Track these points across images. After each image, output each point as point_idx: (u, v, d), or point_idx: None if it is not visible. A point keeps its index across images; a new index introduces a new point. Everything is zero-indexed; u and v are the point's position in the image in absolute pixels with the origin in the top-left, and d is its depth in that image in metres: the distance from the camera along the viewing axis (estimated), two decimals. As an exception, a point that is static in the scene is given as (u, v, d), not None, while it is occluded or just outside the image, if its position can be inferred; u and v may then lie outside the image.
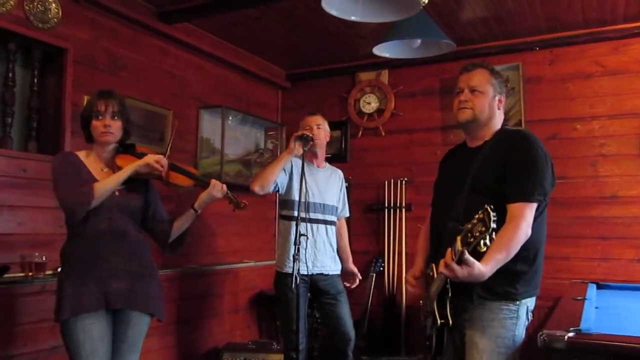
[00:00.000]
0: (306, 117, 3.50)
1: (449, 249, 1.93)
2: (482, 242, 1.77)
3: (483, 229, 1.76)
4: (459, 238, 1.87)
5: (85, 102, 3.08)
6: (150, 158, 2.38)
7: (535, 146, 2.14)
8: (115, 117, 2.40)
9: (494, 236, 1.76)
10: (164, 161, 2.41)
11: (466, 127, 2.32)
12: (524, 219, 2.04)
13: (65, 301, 2.26)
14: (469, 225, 1.81)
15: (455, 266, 1.88)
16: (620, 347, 1.84)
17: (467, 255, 1.86)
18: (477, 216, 1.79)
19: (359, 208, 4.83)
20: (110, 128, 2.38)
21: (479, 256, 1.88)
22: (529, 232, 2.05)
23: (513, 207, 2.07)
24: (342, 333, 3.34)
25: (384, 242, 4.66)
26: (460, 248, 1.86)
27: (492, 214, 1.73)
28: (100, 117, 2.38)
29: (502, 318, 2.11)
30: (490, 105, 2.25)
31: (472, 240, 1.79)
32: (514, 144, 2.17)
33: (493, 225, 1.73)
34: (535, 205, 2.09)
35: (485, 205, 1.76)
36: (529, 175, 2.09)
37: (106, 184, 2.30)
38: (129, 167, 2.35)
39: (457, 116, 2.31)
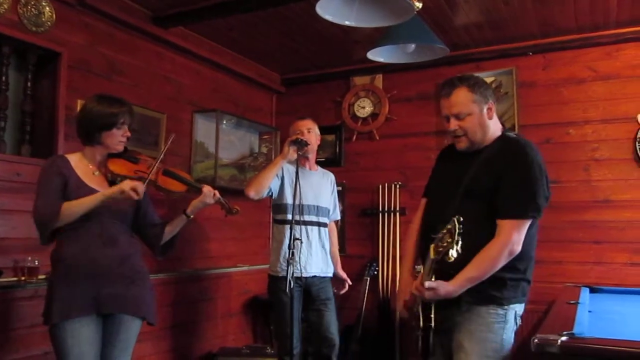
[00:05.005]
0: (296, 122, 3.50)
1: (421, 274, 2.08)
2: (450, 252, 1.83)
3: (450, 240, 1.81)
4: (432, 246, 1.94)
5: (79, 106, 3.08)
6: (127, 185, 2.30)
7: (531, 161, 2.12)
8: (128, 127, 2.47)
9: (459, 248, 1.82)
10: (141, 188, 2.33)
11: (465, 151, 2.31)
12: (510, 238, 2.07)
13: (55, 305, 2.25)
14: (440, 235, 1.86)
15: (422, 289, 2.02)
16: (613, 351, 1.85)
17: (428, 282, 2.00)
18: (447, 226, 1.84)
19: (353, 212, 4.83)
20: (127, 138, 2.45)
21: (451, 265, 1.93)
22: (516, 249, 2.08)
23: (502, 224, 2.09)
24: (327, 339, 3.35)
25: (378, 246, 4.67)
26: (432, 257, 1.94)
27: (457, 226, 1.80)
28: (121, 127, 2.42)
29: (490, 322, 2.12)
30: (480, 122, 2.21)
31: (441, 249, 1.85)
32: (511, 156, 2.16)
33: (457, 238, 1.80)
34: (528, 222, 2.11)
35: (454, 218, 1.80)
36: (522, 192, 2.10)
37: (75, 206, 2.27)
38: (102, 193, 2.31)
39: (455, 146, 2.30)
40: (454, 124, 2.22)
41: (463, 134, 2.22)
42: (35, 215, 2.25)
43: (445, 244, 1.84)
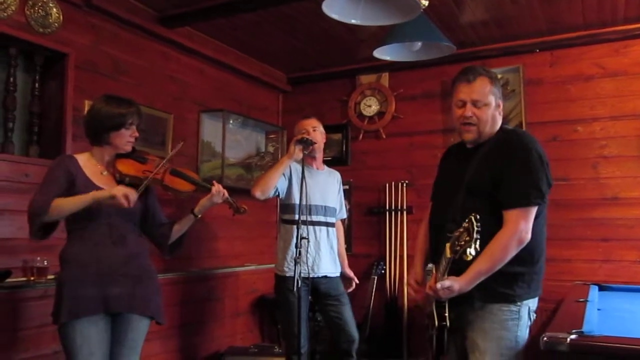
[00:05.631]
0: (301, 121, 3.49)
1: (434, 274, 2.10)
2: (467, 251, 1.82)
3: (467, 238, 1.81)
4: (448, 245, 1.94)
5: (87, 107, 3.10)
6: (119, 190, 2.29)
7: (529, 149, 2.13)
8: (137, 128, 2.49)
9: (477, 246, 1.82)
10: (133, 196, 2.32)
11: (470, 143, 2.31)
12: (517, 227, 2.06)
13: (64, 304, 2.26)
14: (457, 234, 1.86)
15: (437, 290, 2.02)
16: (623, 349, 1.84)
17: (441, 282, 2.00)
18: (463, 224, 1.83)
19: (360, 211, 4.83)
20: (135, 138, 2.47)
21: (468, 262, 1.94)
22: (525, 237, 2.07)
23: (507, 214, 2.09)
24: (346, 334, 3.34)
25: (385, 245, 4.66)
26: (449, 255, 1.94)
27: (476, 223, 1.79)
28: (129, 128, 2.43)
29: (504, 320, 2.11)
30: (492, 115, 2.23)
31: (458, 248, 1.85)
32: (509, 148, 2.17)
33: (476, 235, 1.79)
34: (533, 208, 2.10)
35: (471, 215, 1.80)
36: (524, 180, 2.10)
37: (65, 203, 2.25)
38: (93, 195, 2.28)
39: (461, 135, 2.29)
40: (470, 110, 2.20)
41: (475, 123, 2.21)
42: (29, 208, 2.25)
43: (462, 243, 1.83)
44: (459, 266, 2.01)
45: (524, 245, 2.07)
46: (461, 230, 1.85)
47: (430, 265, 2.32)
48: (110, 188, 2.33)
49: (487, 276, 2.05)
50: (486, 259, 2.02)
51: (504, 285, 2.10)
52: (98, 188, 2.36)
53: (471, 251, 1.82)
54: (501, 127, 2.28)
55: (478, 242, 1.81)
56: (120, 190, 2.28)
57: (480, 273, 2.04)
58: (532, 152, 2.12)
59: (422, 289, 2.37)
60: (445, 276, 2.04)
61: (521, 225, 2.06)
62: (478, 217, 1.81)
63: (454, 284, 2.02)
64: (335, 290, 3.39)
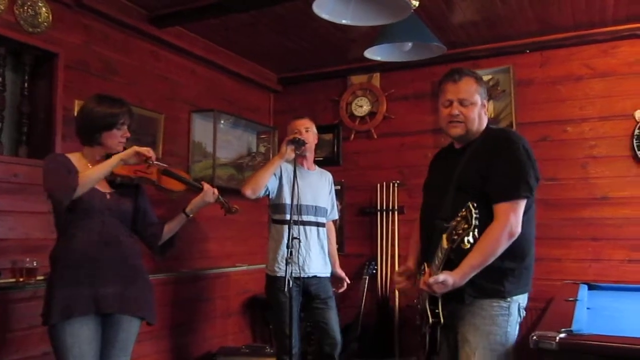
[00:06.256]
0: (294, 121, 3.49)
1: (427, 270, 2.11)
2: (465, 239, 1.82)
3: (466, 226, 1.81)
4: (444, 236, 1.94)
5: (77, 106, 3.08)
6: (139, 148, 2.37)
7: (516, 145, 2.16)
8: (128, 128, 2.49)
9: (476, 233, 1.81)
10: (152, 152, 2.41)
11: (457, 140, 2.34)
12: (507, 220, 2.08)
13: (55, 305, 2.24)
14: (454, 223, 1.86)
15: (431, 285, 2.01)
16: (611, 348, 1.85)
17: (435, 277, 2.00)
18: (460, 214, 1.83)
19: (351, 211, 4.83)
20: (126, 139, 2.46)
21: (464, 252, 1.95)
22: (515, 230, 2.09)
23: (497, 208, 2.11)
24: (330, 338, 3.35)
25: (376, 244, 4.67)
26: (446, 246, 1.92)
27: (474, 211, 1.79)
28: (120, 128, 2.43)
29: (494, 315, 2.13)
30: (479, 114, 2.27)
31: (456, 237, 1.83)
32: (496, 144, 2.20)
33: (475, 222, 1.79)
34: (522, 202, 2.12)
35: (468, 203, 1.81)
36: (512, 174, 2.12)
37: (92, 171, 2.29)
38: (116, 156, 2.34)
39: (448, 131, 2.32)
40: (457, 108, 2.24)
41: (462, 120, 2.25)
42: (52, 189, 2.23)
43: (460, 231, 1.82)
44: (452, 263, 2.02)
45: (514, 239, 2.09)
46: (458, 219, 1.84)
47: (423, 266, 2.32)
48: (131, 148, 2.39)
49: (479, 270, 2.06)
50: (478, 253, 2.03)
51: (493, 281, 2.12)
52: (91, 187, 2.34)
53: (469, 239, 1.81)
54: (487, 127, 2.32)
55: (477, 230, 1.81)
56: (139, 147, 2.37)
57: (472, 267, 2.05)
58: (519, 147, 2.15)
59: (405, 278, 2.38)
60: (440, 271, 2.04)
61: (511, 219, 2.08)
62: (475, 204, 1.81)
63: (448, 278, 2.01)
64: (325, 293, 3.39)
